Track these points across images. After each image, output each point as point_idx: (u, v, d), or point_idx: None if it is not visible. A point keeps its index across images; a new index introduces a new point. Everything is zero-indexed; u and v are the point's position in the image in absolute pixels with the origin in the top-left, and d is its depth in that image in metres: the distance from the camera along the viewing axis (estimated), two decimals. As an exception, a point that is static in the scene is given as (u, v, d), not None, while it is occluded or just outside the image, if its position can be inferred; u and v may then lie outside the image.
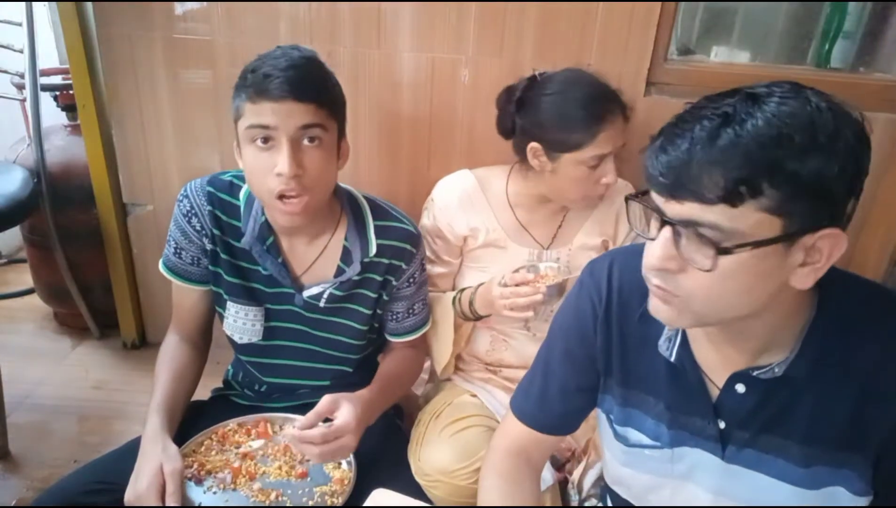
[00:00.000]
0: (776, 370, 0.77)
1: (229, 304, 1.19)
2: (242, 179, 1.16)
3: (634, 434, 0.90)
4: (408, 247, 1.20)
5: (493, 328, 1.45)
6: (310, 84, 1.01)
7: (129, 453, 1.12)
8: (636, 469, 0.91)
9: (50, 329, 2.28)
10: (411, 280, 1.24)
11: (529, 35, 1.56)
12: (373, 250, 1.17)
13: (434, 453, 1.24)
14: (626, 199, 0.75)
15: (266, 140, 1.00)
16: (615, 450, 0.93)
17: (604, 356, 0.91)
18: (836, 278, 0.74)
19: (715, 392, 0.83)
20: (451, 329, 1.38)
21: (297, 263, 1.19)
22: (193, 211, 1.14)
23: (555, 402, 0.97)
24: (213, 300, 1.24)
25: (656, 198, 0.69)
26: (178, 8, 1.67)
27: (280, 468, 1.09)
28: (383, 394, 1.18)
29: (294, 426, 1.03)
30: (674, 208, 0.67)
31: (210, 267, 1.18)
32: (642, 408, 0.89)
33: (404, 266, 1.21)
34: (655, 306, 0.75)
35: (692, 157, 0.64)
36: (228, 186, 1.16)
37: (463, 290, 1.41)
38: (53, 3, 2.00)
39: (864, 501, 0.79)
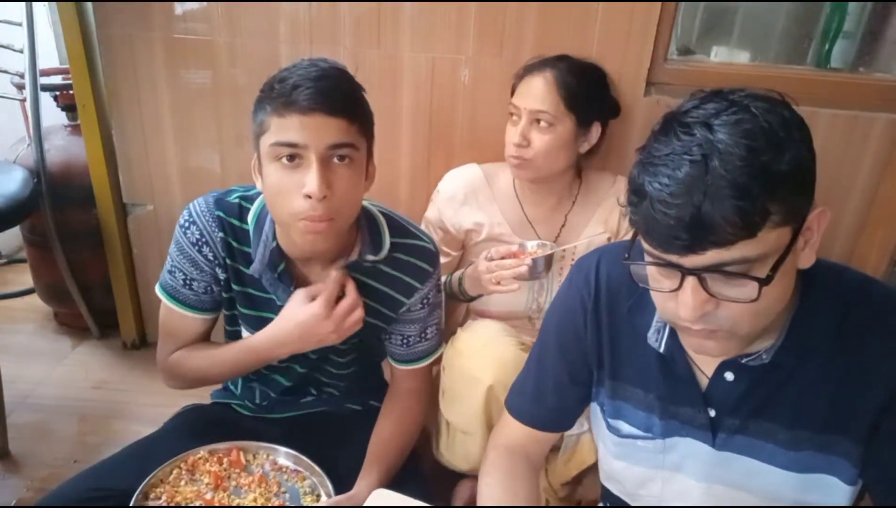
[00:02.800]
0: (764, 356, 0.78)
1: (244, 332, 1.16)
2: (249, 200, 1.09)
3: (626, 427, 0.91)
4: (424, 266, 1.14)
5: (496, 320, 1.45)
6: (342, 96, 0.95)
7: (127, 457, 1.11)
8: (628, 461, 0.92)
9: (50, 329, 2.28)
10: (425, 302, 1.17)
11: (529, 35, 1.56)
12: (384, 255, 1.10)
13: (471, 331, 1.26)
14: (626, 264, 0.75)
15: (292, 158, 0.93)
16: (608, 442, 0.94)
17: (595, 350, 0.92)
18: (817, 266, 0.76)
19: (704, 381, 0.84)
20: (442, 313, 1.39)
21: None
22: (204, 239, 1.06)
23: (549, 398, 0.98)
24: (213, 325, 1.19)
25: (667, 255, 0.68)
26: (178, 8, 1.67)
27: (255, 500, 1.03)
28: (383, 477, 1.11)
29: None
30: (694, 260, 0.66)
31: (224, 295, 1.13)
32: (633, 400, 0.90)
33: (419, 285, 1.14)
34: (700, 345, 0.75)
35: (700, 209, 0.63)
36: (238, 209, 1.08)
37: (453, 273, 1.41)
38: (53, 3, 2.00)
39: (855, 490, 0.81)
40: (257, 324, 1.11)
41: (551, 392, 0.97)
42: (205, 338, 1.19)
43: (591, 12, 1.53)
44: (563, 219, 1.42)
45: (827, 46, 1.71)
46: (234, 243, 1.08)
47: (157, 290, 1.15)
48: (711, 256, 0.65)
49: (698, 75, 1.61)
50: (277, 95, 0.93)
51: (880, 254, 1.66)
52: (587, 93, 1.32)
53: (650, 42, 1.54)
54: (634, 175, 0.70)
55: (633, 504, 0.97)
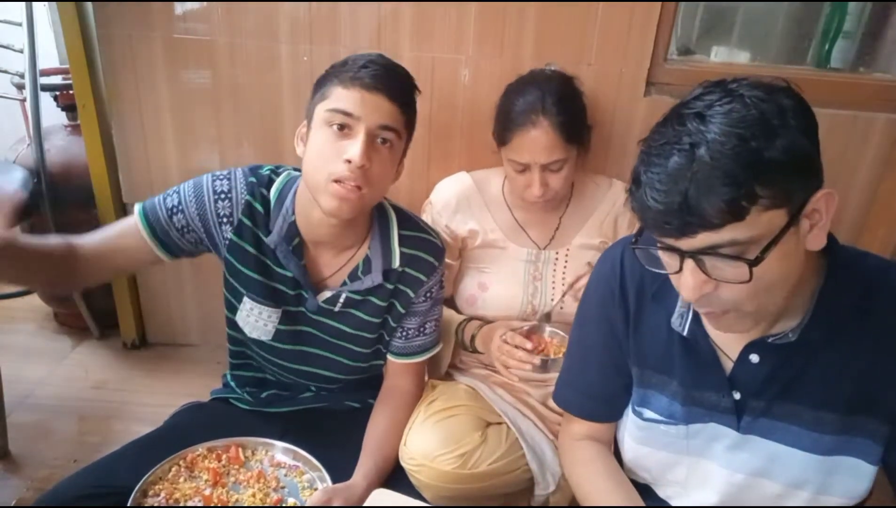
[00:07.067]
0: (791, 335, 0.79)
1: (245, 299, 1.16)
2: (277, 173, 1.16)
3: (649, 413, 0.92)
4: (430, 259, 1.19)
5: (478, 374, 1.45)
6: (402, 85, 1.06)
7: (126, 455, 1.11)
8: (652, 447, 0.93)
9: (50, 329, 2.28)
10: (428, 295, 1.21)
11: (529, 35, 1.56)
12: (396, 261, 1.15)
13: (419, 437, 1.22)
14: (632, 248, 0.79)
15: (343, 127, 1.01)
16: (631, 427, 0.95)
17: (623, 337, 0.93)
18: (840, 247, 0.79)
19: (728, 365, 0.86)
20: (449, 350, 1.40)
21: (319, 271, 1.17)
22: (228, 195, 1.11)
23: (597, 387, 0.99)
24: (141, 264, 1.16)
25: (664, 239, 0.72)
26: (178, 8, 1.67)
27: (254, 495, 1.03)
28: (380, 468, 1.14)
29: None
30: (688, 243, 0.70)
31: (227, 255, 1.14)
32: (657, 388, 0.91)
33: (424, 278, 1.18)
34: (717, 325, 0.79)
35: (686, 195, 0.66)
36: (267, 181, 1.14)
37: (470, 320, 1.42)
38: (53, 3, 2.00)
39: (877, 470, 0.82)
40: (262, 292, 1.14)
41: (597, 381, 0.99)
42: (119, 264, 1.16)
43: (591, 12, 1.53)
44: (558, 222, 1.43)
45: (827, 46, 1.71)
46: (260, 209, 1.12)
47: (136, 206, 1.14)
48: (703, 238, 0.68)
49: (698, 75, 1.58)
50: (348, 69, 1.02)
51: (881, 253, 1.66)
52: (576, 116, 1.31)
53: (650, 42, 1.54)
54: (636, 165, 0.74)
55: (657, 491, 0.97)
